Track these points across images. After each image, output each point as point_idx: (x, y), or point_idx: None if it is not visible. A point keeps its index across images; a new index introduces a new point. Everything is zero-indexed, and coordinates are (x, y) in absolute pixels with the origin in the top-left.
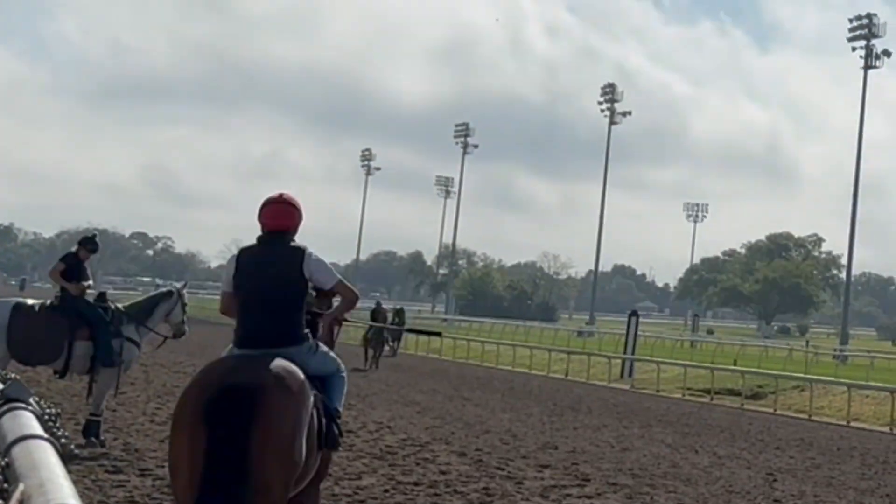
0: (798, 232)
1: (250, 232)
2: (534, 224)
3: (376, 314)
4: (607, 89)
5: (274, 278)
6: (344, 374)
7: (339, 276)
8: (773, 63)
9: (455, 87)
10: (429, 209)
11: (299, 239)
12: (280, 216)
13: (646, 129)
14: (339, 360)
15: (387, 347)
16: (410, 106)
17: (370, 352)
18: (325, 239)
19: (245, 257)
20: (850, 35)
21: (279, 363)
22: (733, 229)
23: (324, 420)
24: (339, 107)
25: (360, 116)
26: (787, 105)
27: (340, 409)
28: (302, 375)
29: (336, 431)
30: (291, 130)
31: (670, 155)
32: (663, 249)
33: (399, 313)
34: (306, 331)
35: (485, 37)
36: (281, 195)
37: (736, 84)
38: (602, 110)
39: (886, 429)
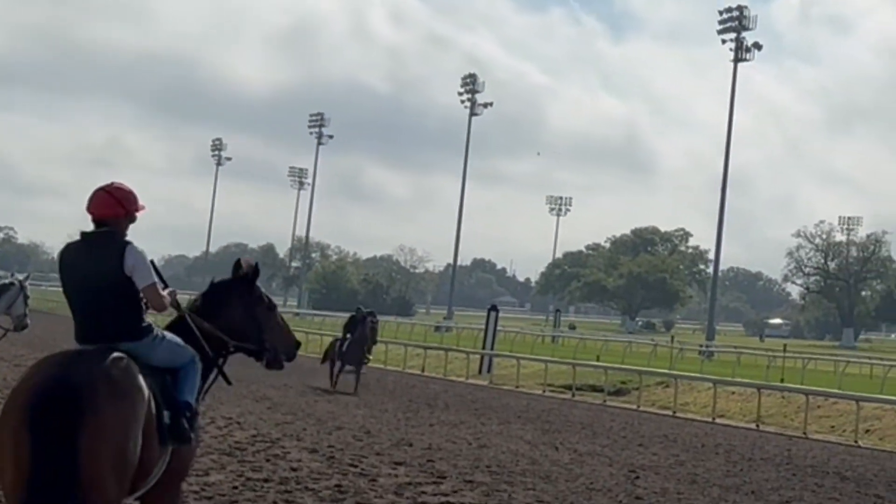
0: (664, 226)
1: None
2: (389, 217)
3: (353, 324)
4: (468, 79)
5: (96, 275)
6: (198, 366)
7: (154, 279)
8: (629, 53)
9: (302, 76)
10: (281, 201)
11: (146, 231)
12: (104, 206)
13: (502, 120)
14: (190, 351)
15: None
16: (257, 94)
17: (337, 366)
18: (173, 231)
19: (67, 254)
20: (721, 27)
21: (110, 359)
22: (597, 223)
23: (166, 413)
24: (182, 94)
25: (204, 104)
26: (646, 96)
27: (193, 402)
28: (135, 370)
29: (185, 426)
30: (132, 118)
31: (529, 146)
32: (525, 243)
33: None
34: (146, 323)
35: (328, 23)
36: (112, 184)
37: (593, 74)
38: (462, 101)
39: (753, 425)
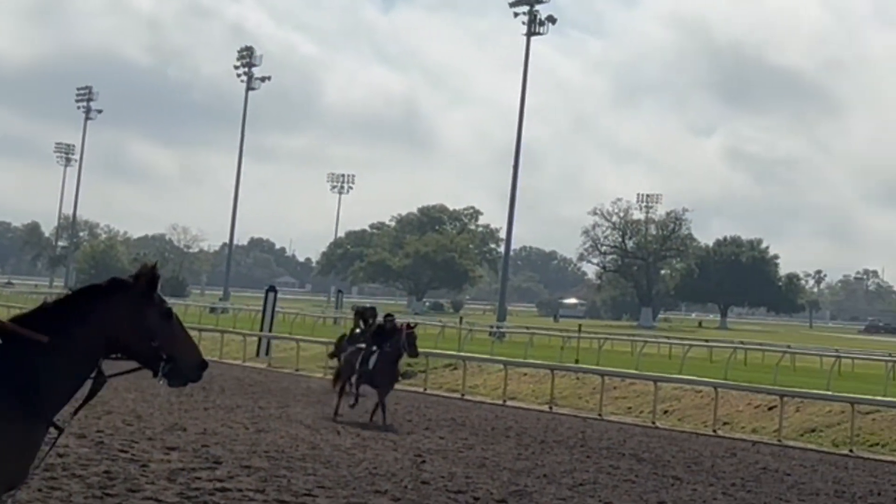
0: (453, 204)
1: None
2: (161, 194)
3: (381, 333)
4: (244, 52)
5: None
6: None
7: None
8: (401, 22)
9: (60, 48)
10: (47, 178)
11: None
12: None
13: (275, 94)
14: None
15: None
16: (14, 68)
17: (353, 387)
18: None
19: None
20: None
21: None
22: (382, 201)
23: None
24: None
25: None
26: (425, 69)
27: None
28: None
29: None
30: None
31: (304, 121)
32: (305, 222)
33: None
34: None
35: None
36: None
37: (366, 45)
38: (238, 75)
39: (545, 407)
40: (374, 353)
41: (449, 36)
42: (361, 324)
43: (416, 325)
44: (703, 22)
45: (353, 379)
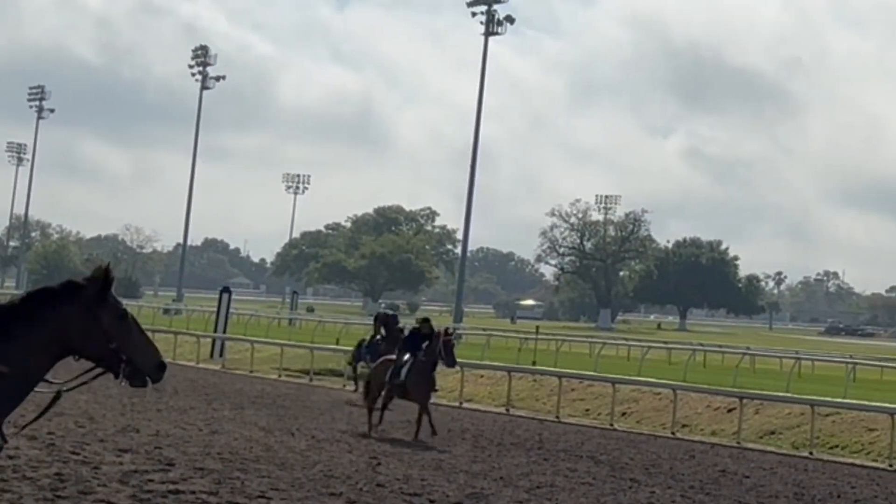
0: (409, 205)
1: None
2: (113, 195)
3: (413, 338)
4: (199, 51)
5: None
6: None
7: None
8: (355, 21)
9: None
10: None
11: None
12: None
13: (229, 93)
14: None
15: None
16: None
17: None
18: None
19: None
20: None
21: None
22: (337, 202)
23: None
24: None
25: None
26: (379, 68)
27: None
28: None
29: None
30: None
31: (259, 121)
32: (260, 223)
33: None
34: None
35: None
36: None
37: (321, 44)
38: (193, 74)
39: (502, 409)
40: (407, 363)
41: (405, 35)
42: (383, 330)
43: (453, 331)
44: (661, 22)
45: (383, 392)
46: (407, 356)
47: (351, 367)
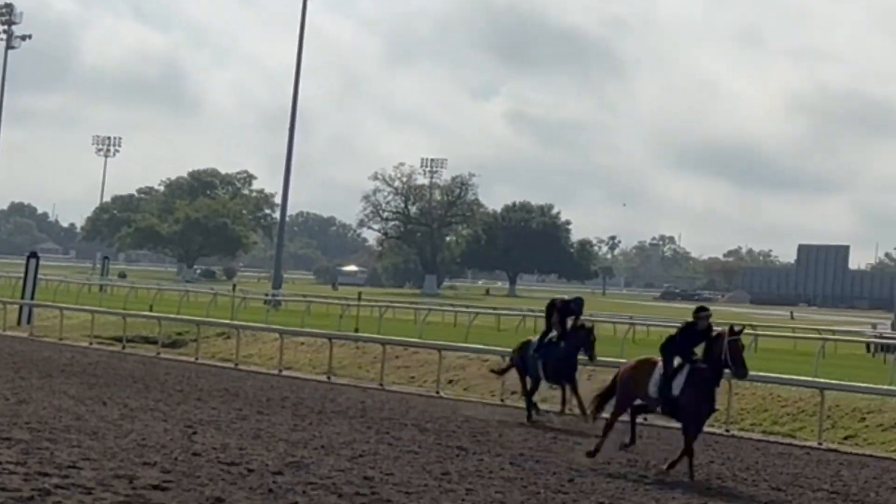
0: (225, 168)
1: None
2: None
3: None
4: (3, 10)
5: None
6: None
7: None
8: None
9: None
10: None
11: None
12: None
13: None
14: None
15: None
16: None
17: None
18: None
19: None
20: None
21: None
22: (150, 165)
23: None
24: None
25: None
26: (186, 27)
27: None
28: None
29: None
30: None
31: (62, 81)
32: (69, 186)
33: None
34: None
35: None
36: None
37: (124, 2)
38: None
39: (324, 377)
40: (683, 371)
41: None
42: (568, 322)
43: (742, 328)
44: None
45: (635, 406)
46: (678, 362)
47: (523, 389)
